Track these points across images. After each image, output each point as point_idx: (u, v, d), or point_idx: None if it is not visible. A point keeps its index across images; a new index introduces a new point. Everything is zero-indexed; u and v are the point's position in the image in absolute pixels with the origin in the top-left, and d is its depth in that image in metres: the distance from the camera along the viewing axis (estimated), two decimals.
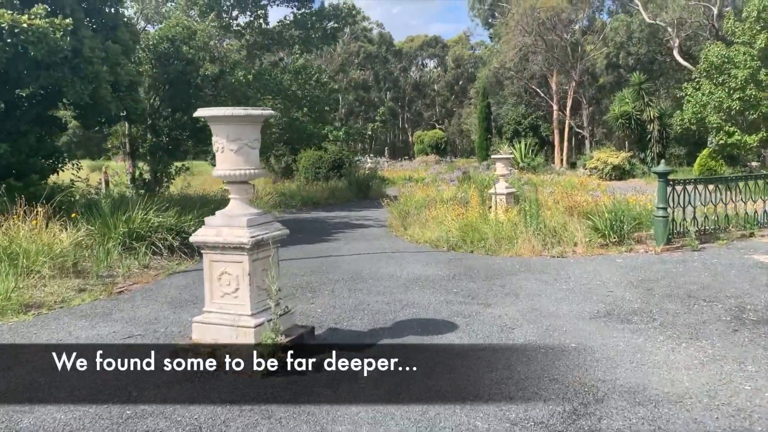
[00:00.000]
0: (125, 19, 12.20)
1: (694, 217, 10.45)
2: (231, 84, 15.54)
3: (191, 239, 5.01)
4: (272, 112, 4.92)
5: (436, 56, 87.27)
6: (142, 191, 14.58)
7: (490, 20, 53.69)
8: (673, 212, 10.23)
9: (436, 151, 57.26)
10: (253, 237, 4.67)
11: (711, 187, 11.49)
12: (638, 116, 35.97)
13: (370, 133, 21.91)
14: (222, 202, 15.97)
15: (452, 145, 78.62)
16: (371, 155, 47.61)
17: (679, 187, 10.15)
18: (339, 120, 72.94)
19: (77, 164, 12.48)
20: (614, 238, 10.54)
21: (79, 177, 12.27)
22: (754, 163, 25.76)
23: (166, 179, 14.88)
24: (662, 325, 5.86)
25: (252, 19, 22.41)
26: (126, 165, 14.93)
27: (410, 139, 79.57)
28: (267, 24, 22.69)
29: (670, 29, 36.12)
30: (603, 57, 47.30)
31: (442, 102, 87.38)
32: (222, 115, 4.70)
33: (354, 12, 22.91)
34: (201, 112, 4.82)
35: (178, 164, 15.36)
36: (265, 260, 4.81)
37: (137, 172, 14.65)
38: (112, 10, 11.76)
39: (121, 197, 12.93)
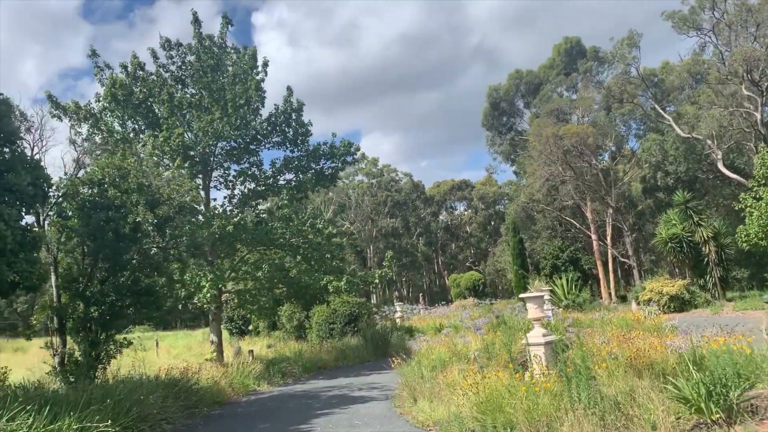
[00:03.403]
0: (29, 161, 9.65)
1: None
2: (193, 232, 12.76)
3: None
4: None
5: (464, 199, 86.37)
6: (73, 378, 11.32)
7: (512, 156, 52.13)
8: None
9: (474, 294, 53.43)
10: None
11: None
12: (689, 238, 32.09)
13: (377, 281, 18.42)
14: (170, 386, 12.33)
15: (492, 286, 74.87)
16: (400, 303, 43.99)
17: None
18: (369, 269, 70.32)
19: None
20: (717, 413, 6.59)
21: None
22: None
23: (102, 359, 11.61)
24: None
25: (247, 165, 20.28)
26: (55, 344, 11.77)
27: (447, 282, 76.04)
28: (262, 171, 20.47)
29: (710, 142, 33.19)
30: (639, 181, 44.45)
31: (476, 243, 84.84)
32: None
33: (352, 149, 20.53)
34: None
35: (121, 337, 12.13)
36: None
37: (65, 353, 11.46)
38: (5, 149, 9.26)
39: (23, 392, 9.65)
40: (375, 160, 79.20)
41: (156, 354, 28.22)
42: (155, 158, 15.35)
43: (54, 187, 11.53)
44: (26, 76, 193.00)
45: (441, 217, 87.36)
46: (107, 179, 10.87)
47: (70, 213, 11.09)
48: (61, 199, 11.05)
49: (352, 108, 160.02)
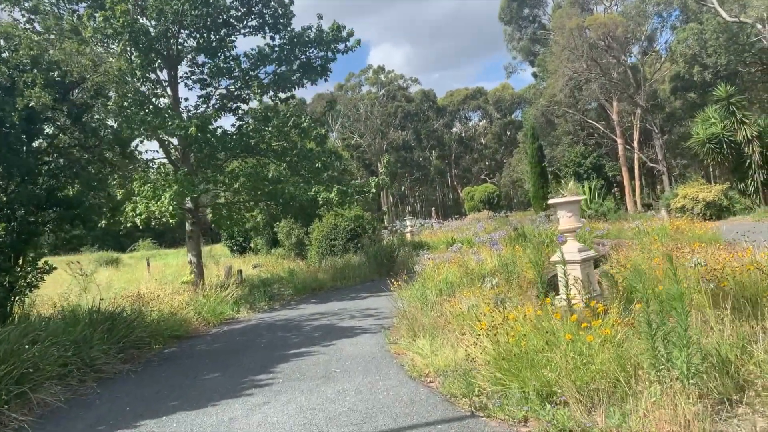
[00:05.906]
0: None
1: None
2: (121, 127, 9.98)
3: None
4: None
5: (479, 108, 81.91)
6: None
7: (531, 56, 47.75)
8: None
9: (488, 206, 50.98)
10: None
11: None
12: (730, 137, 28.73)
13: (374, 190, 15.47)
14: (100, 323, 9.61)
15: (507, 198, 72.26)
16: (410, 217, 41.48)
17: None
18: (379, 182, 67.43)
19: None
20: None
21: None
22: None
23: (20, 289, 9.12)
24: None
25: (221, 60, 17.04)
26: None
27: (461, 196, 73.34)
28: (238, 63, 17.16)
29: (759, 26, 28.93)
30: (669, 80, 40.33)
31: (491, 154, 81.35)
32: None
33: (344, 34, 17.21)
34: None
35: (43, 261, 9.57)
36: None
37: None
38: None
39: None
40: (381, 68, 74.47)
41: (148, 273, 26.14)
42: (95, 42, 12.26)
43: None
44: None
45: (454, 129, 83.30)
46: None
47: None
48: None
49: (359, 18, 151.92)
